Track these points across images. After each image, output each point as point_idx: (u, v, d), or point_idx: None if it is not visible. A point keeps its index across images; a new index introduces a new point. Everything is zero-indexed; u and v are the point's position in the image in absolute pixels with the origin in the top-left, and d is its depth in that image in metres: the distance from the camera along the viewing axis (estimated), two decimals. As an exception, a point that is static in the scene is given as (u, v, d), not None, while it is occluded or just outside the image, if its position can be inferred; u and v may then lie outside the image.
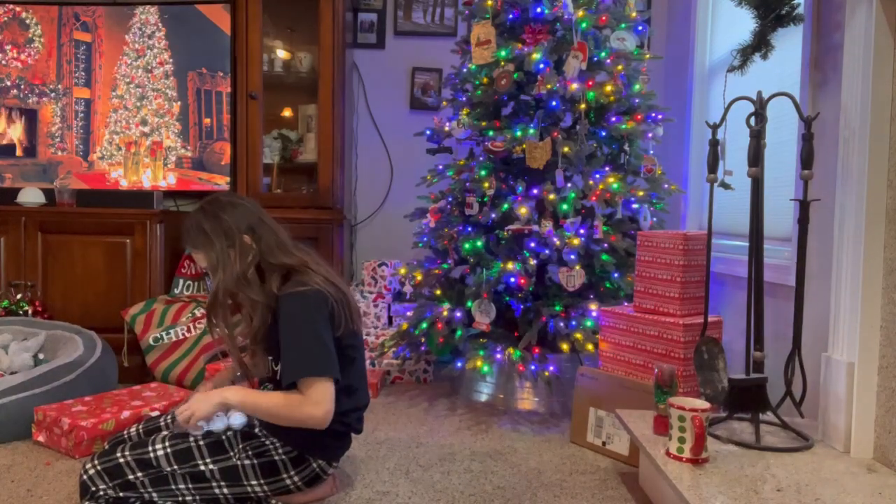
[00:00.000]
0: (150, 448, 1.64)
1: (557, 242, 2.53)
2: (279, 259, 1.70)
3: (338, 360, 1.63)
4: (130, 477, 1.60)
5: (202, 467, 1.63)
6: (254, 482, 1.66)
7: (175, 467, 1.62)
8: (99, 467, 1.61)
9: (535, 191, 2.63)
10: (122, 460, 1.62)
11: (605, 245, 2.60)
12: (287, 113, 3.65)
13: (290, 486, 1.68)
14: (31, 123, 3.48)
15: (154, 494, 1.61)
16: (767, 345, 1.84)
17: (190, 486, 1.63)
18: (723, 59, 2.87)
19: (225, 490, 1.65)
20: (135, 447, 1.65)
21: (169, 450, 1.63)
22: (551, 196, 2.55)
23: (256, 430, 1.69)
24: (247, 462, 1.65)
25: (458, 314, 2.65)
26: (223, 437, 1.66)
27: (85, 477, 1.61)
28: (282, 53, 3.50)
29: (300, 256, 1.73)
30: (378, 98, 3.80)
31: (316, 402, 1.56)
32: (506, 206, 2.62)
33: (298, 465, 1.69)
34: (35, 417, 2.24)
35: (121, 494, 1.60)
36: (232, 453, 1.65)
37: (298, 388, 1.57)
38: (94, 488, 1.59)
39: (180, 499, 1.63)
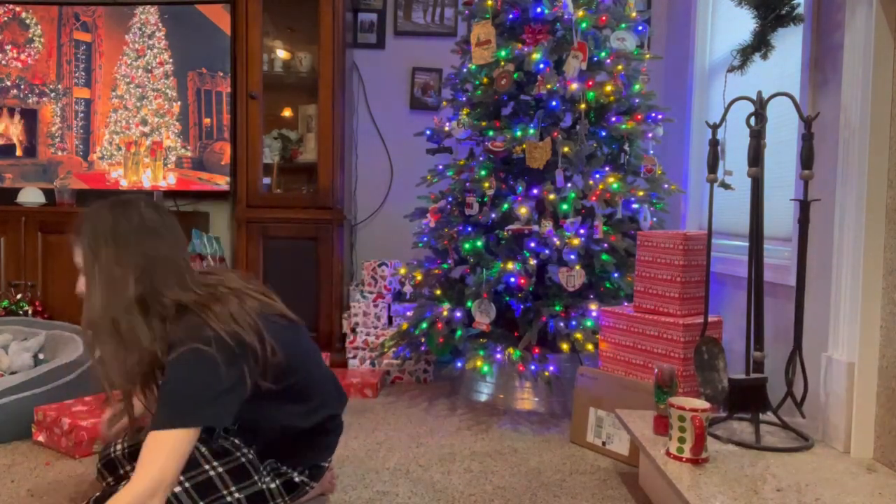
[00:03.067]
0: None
1: (557, 242, 2.53)
2: (173, 293, 1.40)
3: (283, 394, 1.45)
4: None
5: (211, 473, 1.55)
6: (232, 488, 1.49)
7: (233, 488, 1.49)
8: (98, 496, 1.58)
9: (535, 191, 2.63)
10: (121, 467, 1.60)
11: (605, 245, 2.60)
12: (287, 113, 3.65)
13: (264, 491, 1.55)
14: (31, 123, 3.48)
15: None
16: (767, 345, 1.84)
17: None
18: (723, 59, 2.87)
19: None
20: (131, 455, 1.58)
21: (187, 484, 1.44)
22: (551, 196, 2.55)
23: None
24: (220, 470, 1.49)
25: (458, 314, 2.65)
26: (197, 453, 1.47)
27: (112, 455, 1.59)
28: (282, 53, 3.50)
29: (201, 292, 1.42)
30: (378, 98, 3.80)
31: (143, 474, 1.25)
32: (506, 206, 2.62)
33: (280, 476, 1.59)
34: (35, 417, 2.24)
35: None
36: (207, 467, 1.47)
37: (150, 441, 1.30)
38: (119, 466, 1.57)
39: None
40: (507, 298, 2.71)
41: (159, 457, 1.26)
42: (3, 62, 3.46)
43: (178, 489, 1.38)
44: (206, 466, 1.44)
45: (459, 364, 2.70)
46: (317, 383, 1.61)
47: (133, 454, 1.58)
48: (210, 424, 1.35)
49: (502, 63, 2.67)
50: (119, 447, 1.63)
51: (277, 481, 1.58)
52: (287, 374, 1.48)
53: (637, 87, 2.77)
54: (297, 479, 1.62)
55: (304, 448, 1.62)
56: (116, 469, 1.62)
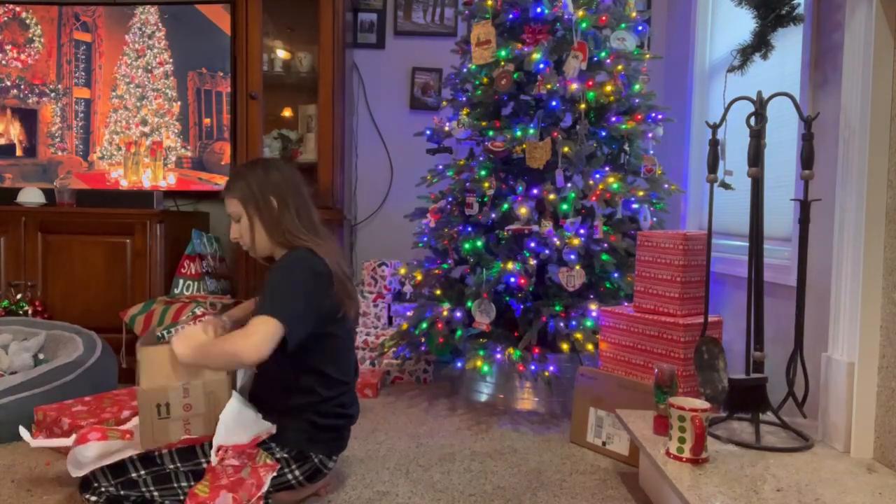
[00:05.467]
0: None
1: (557, 242, 2.53)
2: (296, 233, 1.75)
3: (316, 343, 1.67)
4: (133, 475, 1.60)
5: (205, 465, 1.63)
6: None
7: (178, 465, 1.62)
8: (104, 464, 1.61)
9: (535, 191, 2.63)
10: (126, 458, 1.62)
11: (605, 245, 2.60)
12: (287, 113, 3.65)
13: (291, 480, 1.69)
14: (31, 123, 3.48)
15: (155, 493, 1.61)
16: (767, 345, 1.84)
17: (192, 483, 1.63)
18: (723, 59, 2.86)
19: None
20: None
21: (174, 448, 1.64)
22: (551, 196, 2.55)
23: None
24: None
25: (458, 314, 2.65)
26: None
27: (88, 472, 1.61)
28: (282, 53, 3.50)
29: (317, 239, 1.78)
30: (378, 98, 3.80)
31: (248, 335, 1.56)
32: (506, 206, 2.62)
33: (299, 460, 1.70)
34: (35, 417, 2.24)
35: (122, 492, 1.60)
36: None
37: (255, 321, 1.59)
38: (95, 484, 1.59)
39: (181, 497, 1.63)
40: (507, 298, 2.71)
41: (262, 333, 1.55)
42: (3, 62, 3.45)
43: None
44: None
45: (459, 364, 2.70)
46: (343, 359, 1.82)
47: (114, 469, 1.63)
48: (291, 335, 1.58)
49: (502, 63, 2.67)
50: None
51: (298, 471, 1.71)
52: (337, 336, 1.77)
53: (637, 87, 2.76)
54: (315, 461, 1.73)
55: (325, 422, 1.75)
56: (90, 484, 1.62)
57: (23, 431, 1.78)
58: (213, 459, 1.58)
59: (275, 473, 1.64)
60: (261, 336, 1.55)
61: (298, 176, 1.84)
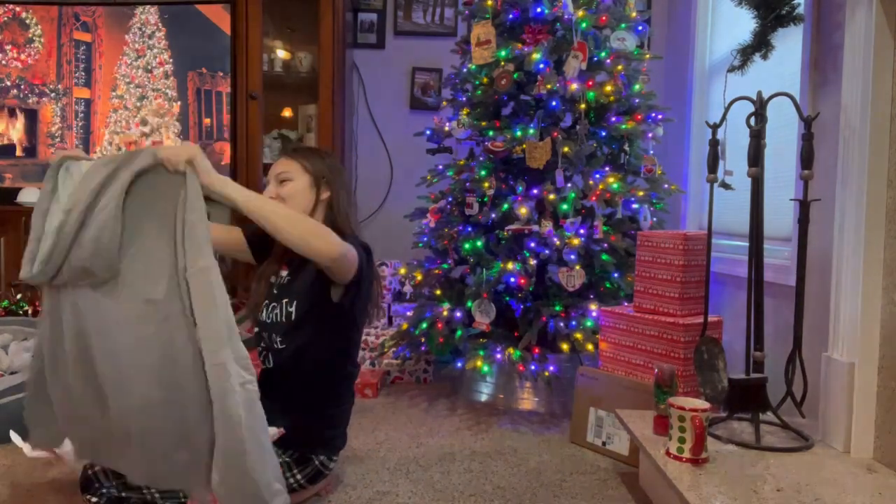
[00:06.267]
0: None
1: (557, 242, 2.53)
2: (343, 224, 1.77)
3: (352, 331, 1.77)
4: None
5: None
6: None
7: None
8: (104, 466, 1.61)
9: (535, 191, 2.63)
10: None
11: (605, 245, 2.59)
12: (287, 113, 3.65)
13: (292, 484, 1.69)
14: (31, 123, 3.48)
15: (157, 494, 1.60)
16: (767, 345, 1.84)
17: None
18: (723, 59, 2.86)
19: None
20: None
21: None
22: (551, 196, 2.55)
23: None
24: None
25: (458, 314, 2.65)
26: None
27: (90, 472, 1.60)
28: (282, 53, 3.50)
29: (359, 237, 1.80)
30: (378, 98, 3.80)
31: (340, 242, 1.57)
32: (506, 206, 2.62)
33: (301, 464, 1.70)
34: (35, 417, 2.23)
35: (123, 493, 1.59)
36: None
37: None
38: (97, 484, 1.59)
39: (182, 499, 1.62)
40: (507, 298, 2.71)
41: (354, 249, 1.61)
42: (3, 62, 3.46)
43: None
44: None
45: (459, 364, 2.70)
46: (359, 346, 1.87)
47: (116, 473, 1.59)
48: (360, 280, 1.65)
49: (502, 63, 2.66)
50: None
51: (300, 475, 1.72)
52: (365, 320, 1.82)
53: (637, 87, 2.76)
54: (315, 463, 1.73)
55: (332, 408, 1.78)
56: (92, 484, 1.59)
57: (14, 437, 1.72)
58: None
59: None
60: (350, 251, 1.59)
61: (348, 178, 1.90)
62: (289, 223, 1.51)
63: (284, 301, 1.74)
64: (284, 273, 1.82)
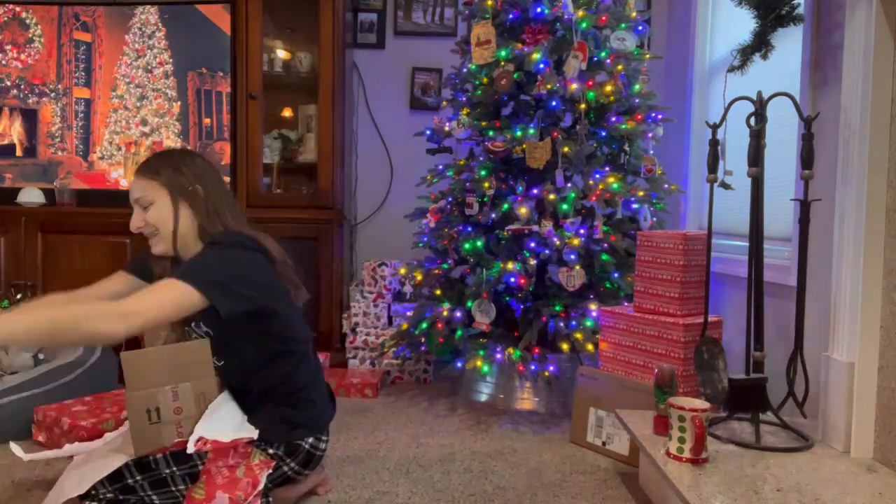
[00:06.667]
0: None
1: (557, 242, 2.53)
2: (225, 221, 1.67)
3: (270, 321, 1.64)
4: (130, 481, 1.59)
5: (200, 467, 1.63)
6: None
7: (174, 469, 1.62)
8: None
9: (535, 191, 2.63)
10: (122, 465, 1.61)
11: (605, 245, 2.60)
12: (287, 113, 3.65)
13: (288, 472, 1.69)
14: (31, 123, 3.48)
15: (154, 497, 1.61)
16: (767, 345, 1.84)
17: (189, 485, 1.63)
18: (723, 59, 2.86)
19: None
20: None
21: (167, 452, 1.64)
22: (551, 196, 2.55)
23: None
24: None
25: (458, 314, 2.65)
26: None
27: None
28: (282, 53, 3.50)
29: (249, 230, 1.69)
30: (378, 98, 3.80)
31: (122, 315, 1.38)
32: (506, 206, 2.62)
33: (291, 453, 1.70)
34: (35, 417, 2.24)
35: (121, 497, 1.59)
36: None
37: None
38: (93, 491, 1.59)
39: (180, 499, 1.63)
40: (507, 298, 2.71)
41: (160, 296, 1.45)
42: (3, 62, 3.46)
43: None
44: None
45: (459, 364, 2.70)
46: (300, 321, 1.77)
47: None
48: (216, 301, 1.49)
49: (502, 63, 2.67)
50: None
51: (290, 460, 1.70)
52: (296, 340, 1.73)
53: (637, 87, 2.76)
54: (305, 447, 1.71)
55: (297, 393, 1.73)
56: (89, 491, 1.59)
57: (14, 447, 1.72)
58: (190, 448, 1.55)
59: (270, 470, 1.64)
60: (160, 298, 1.43)
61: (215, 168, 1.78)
62: (55, 333, 1.36)
63: (192, 323, 1.70)
64: None
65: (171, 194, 1.66)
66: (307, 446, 1.72)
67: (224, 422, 1.62)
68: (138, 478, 1.60)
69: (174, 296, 1.45)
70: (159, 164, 1.68)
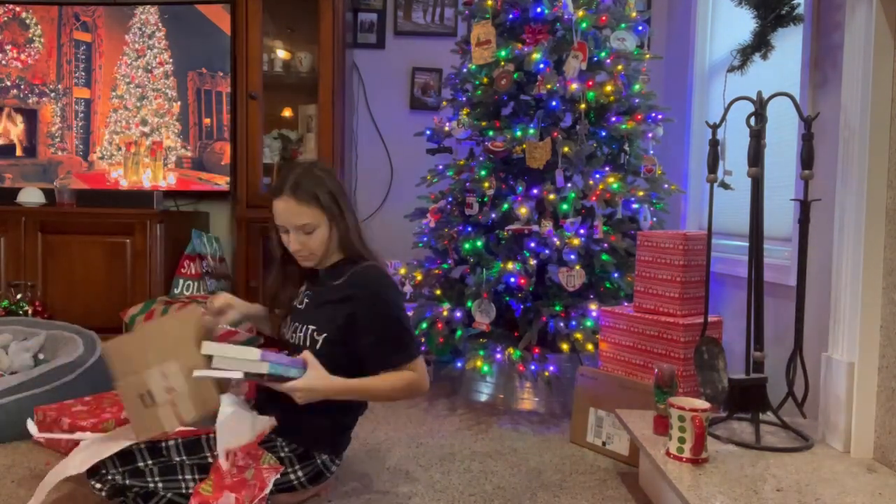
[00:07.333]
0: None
1: (557, 242, 2.53)
2: (363, 244, 1.79)
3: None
4: (140, 464, 1.60)
5: (210, 459, 1.63)
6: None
7: (184, 458, 1.62)
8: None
9: (535, 191, 2.63)
10: (134, 446, 1.62)
11: (605, 245, 2.59)
12: (287, 113, 3.65)
13: (293, 481, 1.69)
14: (31, 123, 3.48)
15: (160, 484, 1.60)
16: (767, 345, 1.84)
17: (196, 476, 1.63)
18: (723, 59, 2.86)
19: None
20: None
21: (180, 439, 1.64)
22: (551, 196, 2.55)
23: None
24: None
25: (458, 314, 2.65)
26: None
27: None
28: (282, 53, 3.50)
29: (372, 249, 1.82)
30: (378, 98, 3.80)
31: (424, 375, 1.73)
32: (506, 206, 2.62)
33: (303, 461, 1.70)
34: (35, 417, 2.23)
35: (127, 482, 1.59)
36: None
37: (404, 367, 1.70)
38: (104, 470, 1.59)
39: (184, 491, 1.62)
40: (507, 298, 2.71)
41: (422, 374, 1.73)
42: (3, 62, 3.46)
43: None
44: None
45: (459, 364, 2.70)
46: None
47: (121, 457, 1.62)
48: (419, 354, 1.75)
49: (502, 63, 2.66)
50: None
51: (301, 472, 1.71)
52: None
53: (637, 87, 2.76)
54: (318, 462, 1.73)
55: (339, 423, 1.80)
56: (98, 470, 1.60)
57: (30, 424, 1.79)
58: (224, 464, 1.57)
59: (278, 475, 1.65)
60: (425, 375, 1.74)
61: None
62: (390, 397, 1.75)
63: (311, 328, 1.73)
64: (304, 291, 1.84)
65: (328, 217, 1.72)
66: (320, 462, 1.72)
67: (240, 425, 1.62)
68: (149, 462, 1.60)
69: (425, 371, 1.75)
70: (312, 184, 1.70)
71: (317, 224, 1.70)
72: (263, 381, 1.56)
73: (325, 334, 1.71)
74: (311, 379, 1.59)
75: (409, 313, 1.75)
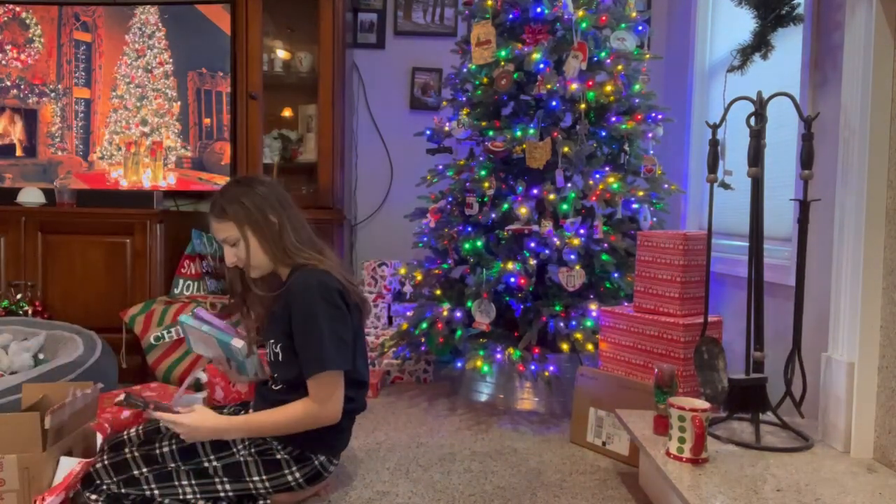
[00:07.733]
0: (156, 445, 1.66)
1: (557, 242, 2.53)
2: (298, 251, 1.73)
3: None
4: (135, 473, 1.61)
5: (206, 464, 1.63)
6: (256, 478, 1.66)
7: (179, 464, 1.62)
8: (107, 462, 1.62)
9: (535, 191, 2.63)
10: (129, 456, 1.63)
11: (605, 245, 2.59)
12: (287, 113, 3.65)
13: (291, 482, 1.69)
14: (31, 123, 3.48)
15: (156, 491, 1.61)
16: (767, 345, 1.84)
17: (193, 482, 1.63)
18: (723, 59, 2.86)
19: (227, 486, 1.65)
20: (143, 444, 1.67)
21: (174, 447, 1.64)
22: (551, 196, 2.55)
23: None
24: (249, 458, 1.66)
25: (458, 314, 2.65)
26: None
27: (91, 469, 1.61)
28: (282, 53, 3.50)
29: (318, 255, 1.75)
30: (378, 98, 3.80)
31: (322, 400, 1.63)
32: (506, 206, 2.62)
33: (300, 461, 1.70)
34: (35, 417, 2.23)
35: (123, 490, 1.60)
36: (235, 450, 1.67)
37: (308, 385, 1.64)
38: (98, 481, 1.60)
39: (181, 497, 1.63)
40: (507, 298, 2.71)
41: (332, 393, 1.65)
42: (3, 62, 3.45)
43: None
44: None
45: (459, 364, 2.70)
46: (362, 353, 1.83)
47: (149, 434, 1.72)
48: (348, 363, 1.68)
49: (502, 63, 2.66)
50: (133, 431, 1.74)
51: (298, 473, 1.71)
52: (358, 337, 1.78)
53: (637, 87, 2.76)
54: (316, 464, 1.73)
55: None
56: (122, 447, 1.67)
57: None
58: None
59: (276, 473, 1.65)
60: (335, 396, 1.66)
61: (283, 188, 1.80)
62: (286, 431, 1.66)
63: (271, 342, 1.74)
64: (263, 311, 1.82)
65: (242, 231, 1.70)
66: (318, 463, 1.72)
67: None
68: (144, 470, 1.61)
69: (339, 387, 1.67)
70: (227, 201, 1.71)
71: (236, 236, 1.70)
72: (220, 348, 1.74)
73: (280, 344, 1.71)
74: (195, 419, 1.60)
75: (338, 324, 1.67)
